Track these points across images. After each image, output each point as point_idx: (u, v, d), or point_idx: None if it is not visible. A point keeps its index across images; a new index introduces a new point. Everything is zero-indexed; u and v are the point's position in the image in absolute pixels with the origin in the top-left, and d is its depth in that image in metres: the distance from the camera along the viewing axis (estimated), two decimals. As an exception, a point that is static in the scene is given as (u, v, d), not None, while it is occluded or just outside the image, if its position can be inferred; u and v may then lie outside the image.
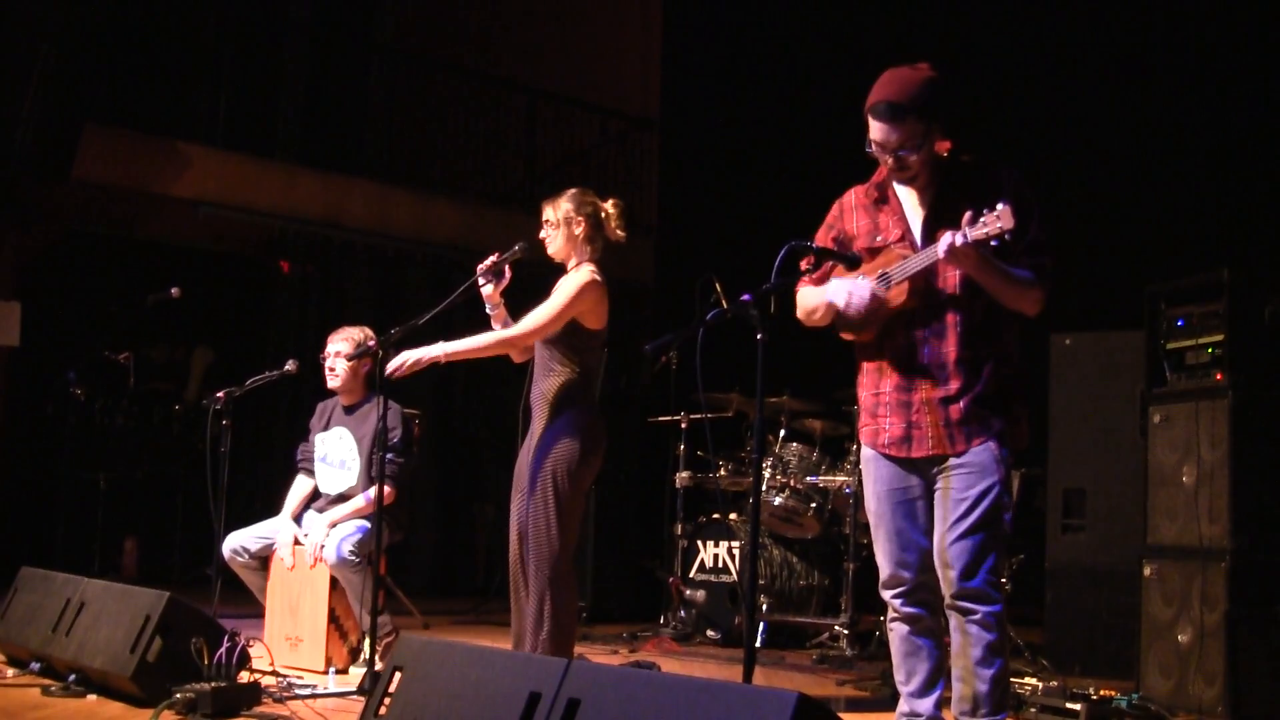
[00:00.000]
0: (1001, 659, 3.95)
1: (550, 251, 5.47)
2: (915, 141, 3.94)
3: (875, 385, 4.15)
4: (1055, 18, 9.50)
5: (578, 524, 5.34)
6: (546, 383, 5.35)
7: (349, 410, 6.68)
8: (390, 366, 5.33)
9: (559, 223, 5.41)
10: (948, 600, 3.98)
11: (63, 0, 9.07)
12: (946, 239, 3.78)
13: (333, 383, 6.64)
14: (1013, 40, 9.67)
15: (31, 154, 9.09)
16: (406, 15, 14.16)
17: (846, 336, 4.22)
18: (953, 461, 3.98)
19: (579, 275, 5.35)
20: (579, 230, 5.40)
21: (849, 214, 4.25)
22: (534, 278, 5.79)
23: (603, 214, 5.44)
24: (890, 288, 3.99)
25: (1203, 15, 8.60)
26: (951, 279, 3.98)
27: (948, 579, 3.96)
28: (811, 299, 4.19)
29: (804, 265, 4.01)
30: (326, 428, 6.71)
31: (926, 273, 3.97)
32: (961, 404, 3.97)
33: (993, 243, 3.73)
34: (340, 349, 6.58)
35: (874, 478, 4.17)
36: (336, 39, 13.45)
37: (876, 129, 3.96)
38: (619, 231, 5.47)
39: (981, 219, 3.72)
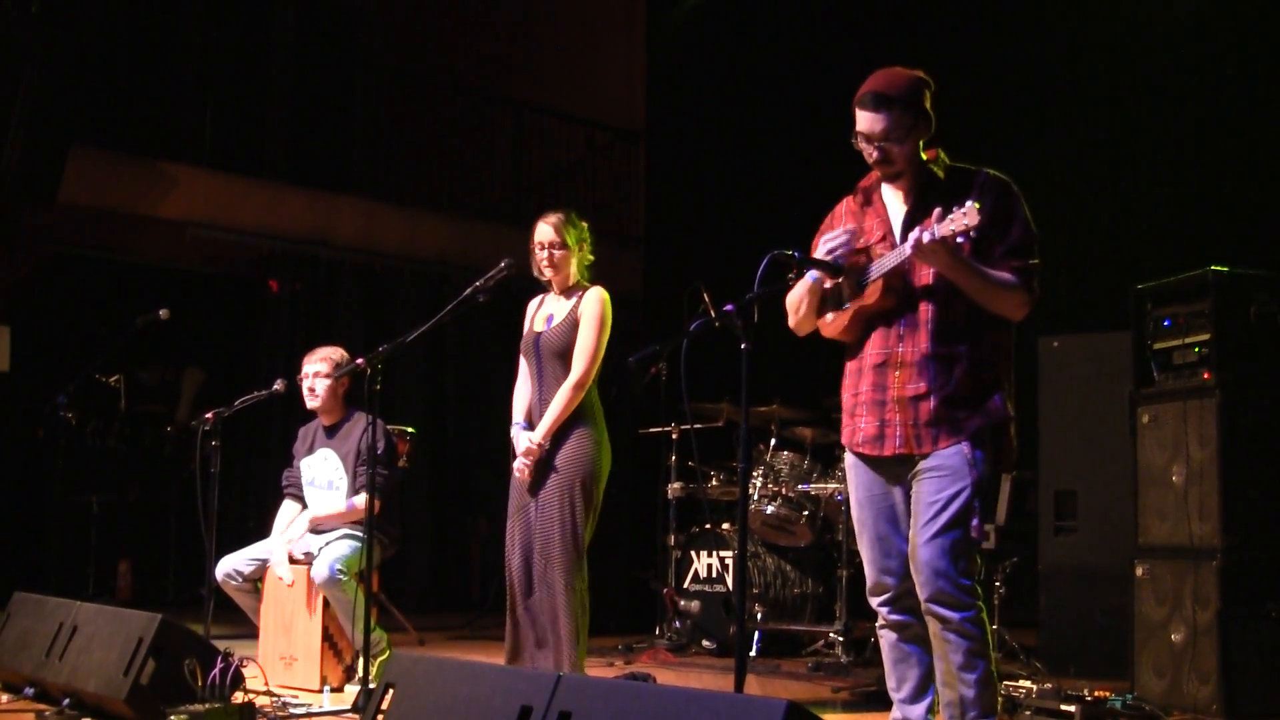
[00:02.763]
0: (984, 662, 3.96)
1: (556, 276, 5.57)
2: (900, 133, 3.99)
3: (855, 386, 4.20)
4: (1040, 20, 9.53)
5: None
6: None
7: (331, 430, 6.68)
8: (519, 472, 5.49)
9: (572, 249, 5.53)
10: (922, 605, 3.99)
11: (47, 23, 9.06)
12: (913, 236, 3.82)
13: (312, 403, 6.64)
14: (1000, 43, 9.70)
15: (18, 177, 9.07)
16: (391, 32, 14.18)
17: (828, 333, 4.25)
18: (924, 464, 4.00)
19: (599, 298, 5.54)
20: (584, 252, 5.58)
21: (839, 221, 4.32)
22: (524, 291, 5.84)
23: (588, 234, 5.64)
24: (867, 285, 4.03)
25: (1186, 14, 8.62)
26: (926, 277, 4.01)
27: (919, 583, 3.97)
28: (794, 294, 4.24)
29: (790, 275, 4.05)
30: (310, 451, 6.71)
31: (901, 271, 4.00)
32: (931, 403, 3.98)
33: (960, 239, 3.75)
34: (319, 369, 6.59)
35: (855, 484, 4.20)
36: (321, 57, 13.46)
37: (862, 119, 4.02)
38: (592, 254, 5.71)
39: (949, 216, 3.75)
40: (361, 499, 5.82)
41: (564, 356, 5.46)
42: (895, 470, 4.09)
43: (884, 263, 3.99)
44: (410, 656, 4.04)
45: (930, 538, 3.93)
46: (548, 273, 5.58)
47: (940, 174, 4.09)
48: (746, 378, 3.70)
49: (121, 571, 10.83)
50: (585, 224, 5.64)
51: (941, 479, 3.96)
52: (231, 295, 12.04)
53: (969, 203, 3.72)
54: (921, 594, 3.97)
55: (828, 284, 4.13)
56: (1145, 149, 8.81)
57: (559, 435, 5.42)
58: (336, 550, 6.24)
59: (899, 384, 4.04)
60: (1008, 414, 4.07)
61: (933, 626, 3.99)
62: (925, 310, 4.02)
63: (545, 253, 5.55)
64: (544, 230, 5.56)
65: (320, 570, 6.15)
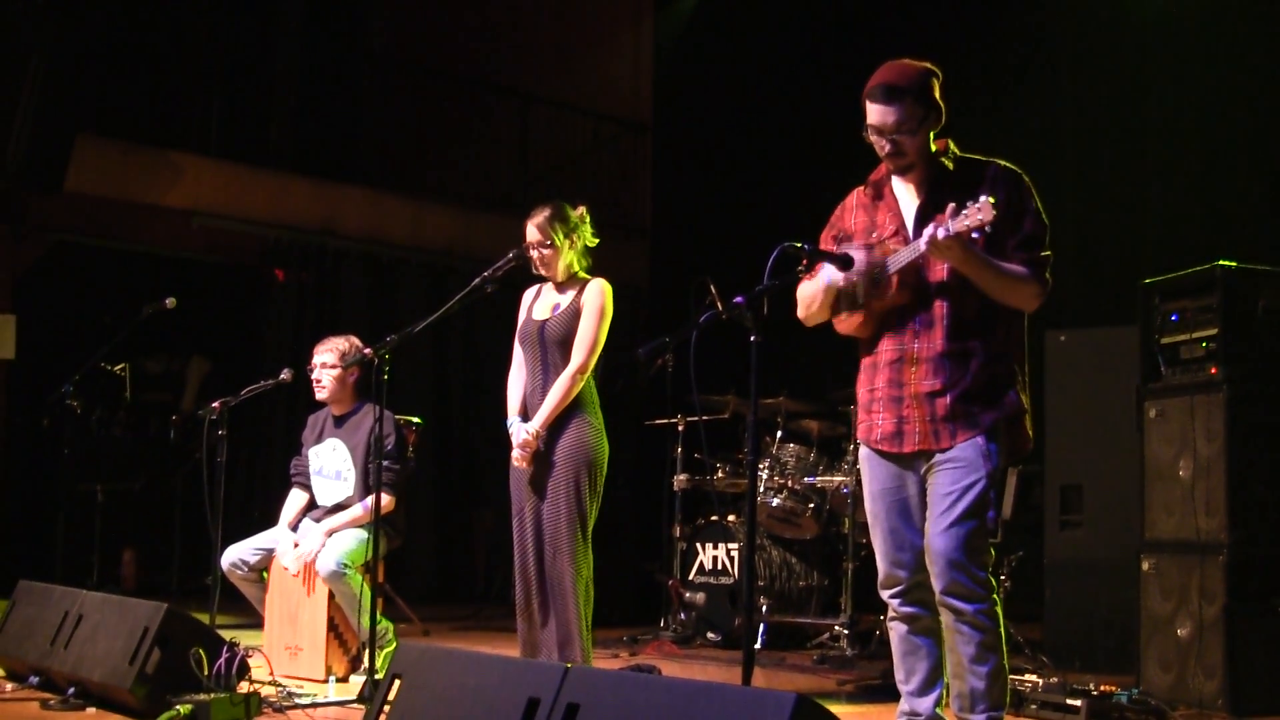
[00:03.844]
0: (996, 655, 3.96)
1: (548, 271, 5.57)
2: (911, 125, 3.99)
3: (870, 381, 4.19)
4: (1049, 13, 9.52)
5: None
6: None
7: (340, 421, 6.65)
8: (518, 462, 5.47)
9: (560, 243, 5.51)
10: (937, 597, 3.98)
11: (54, 12, 9.05)
12: (928, 232, 3.82)
13: (320, 395, 6.62)
14: (1008, 36, 9.68)
15: (24, 166, 9.07)
16: (398, 22, 14.16)
17: (843, 329, 4.24)
18: (940, 457, 4.00)
19: (600, 290, 5.53)
20: (579, 243, 5.55)
21: (849, 213, 4.31)
22: (529, 282, 5.83)
23: (582, 224, 5.59)
24: (883, 282, 4.02)
25: (1196, 7, 8.61)
26: (940, 272, 4.00)
27: (934, 574, 3.97)
28: (808, 290, 4.23)
29: (801, 266, 4.04)
30: (319, 440, 6.69)
31: (916, 267, 3.99)
32: (948, 398, 3.98)
33: (974, 235, 3.74)
34: (326, 360, 6.57)
35: (870, 477, 4.20)
36: (328, 47, 13.43)
37: (874, 112, 4.02)
38: (594, 238, 5.65)
39: (964, 212, 3.74)
40: (372, 500, 5.83)
41: (567, 345, 5.46)
42: (911, 464, 4.09)
43: (898, 259, 3.99)
44: (418, 647, 4.04)
45: (945, 528, 3.94)
46: (543, 270, 5.59)
47: (950, 166, 4.09)
48: (756, 370, 3.69)
49: (126, 560, 10.83)
50: (578, 211, 5.58)
51: (957, 470, 3.96)
52: (237, 284, 12.02)
53: (983, 198, 3.71)
54: (936, 585, 3.97)
55: (842, 282, 4.11)
56: (1153, 143, 8.80)
57: (556, 425, 5.41)
58: (342, 543, 6.24)
59: (915, 380, 4.03)
60: (1023, 407, 4.08)
61: (946, 618, 3.99)
62: (940, 306, 4.01)
63: (535, 253, 5.55)
64: (530, 232, 5.55)
65: (325, 563, 6.14)
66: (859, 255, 4.04)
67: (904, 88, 3.97)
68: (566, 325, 5.46)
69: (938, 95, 4.04)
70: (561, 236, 5.51)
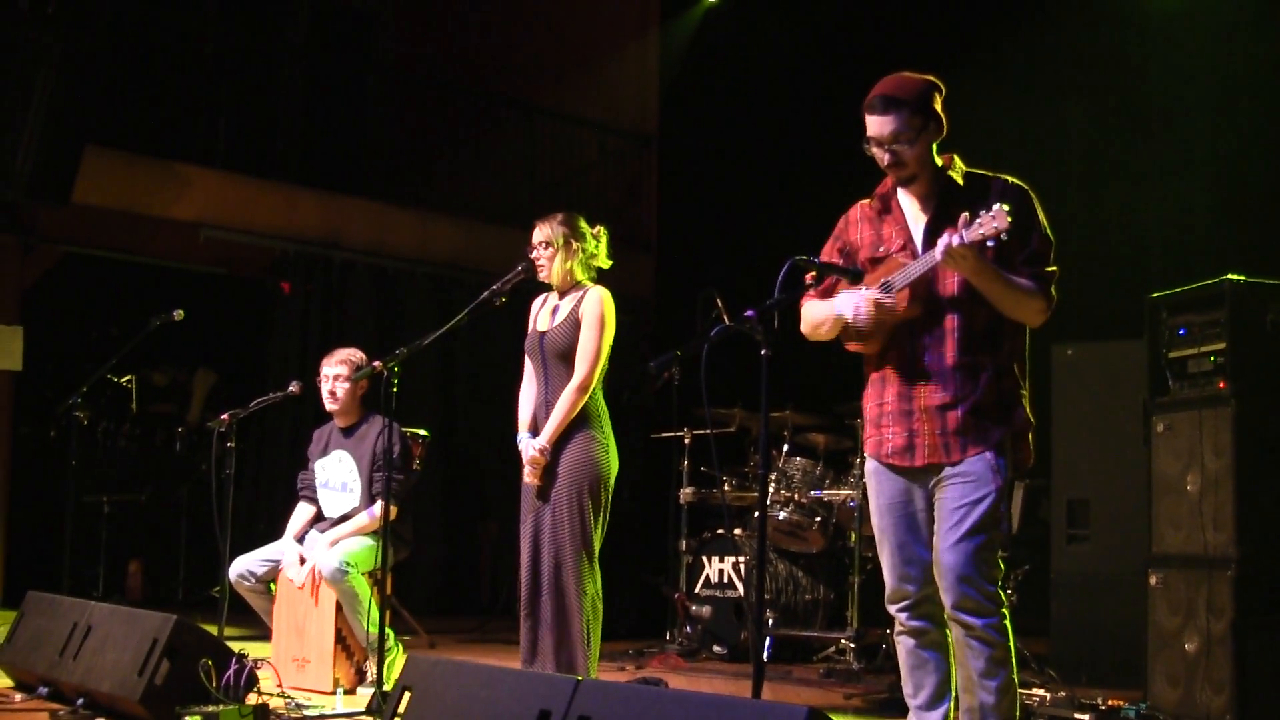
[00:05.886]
0: (1005, 670, 3.95)
1: (545, 276, 5.57)
2: (910, 135, 3.99)
3: (879, 395, 4.18)
4: (1055, 26, 9.52)
5: None
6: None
7: (346, 432, 6.67)
8: (529, 478, 5.48)
9: (559, 247, 5.50)
10: (947, 611, 3.98)
11: (63, 24, 9.08)
12: (944, 240, 3.80)
13: (332, 406, 6.64)
14: (1014, 49, 9.69)
15: (32, 178, 9.09)
16: (404, 35, 14.20)
17: (852, 348, 4.24)
18: (948, 471, 4.00)
19: (599, 299, 5.52)
20: (580, 253, 5.52)
21: (854, 226, 4.29)
22: (536, 294, 5.83)
23: (593, 239, 5.58)
24: (893, 295, 4.02)
25: (1202, 19, 8.62)
26: (951, 284, 4.00)
27: (943, 589, 3.97)
28: (818, 312, 4.21)
29: (809, 279, 4.04)
30: (325, 453, 6.71)
31: (927, 279, 3.99)
32: (959, 412, 3.98)
33: (989, 243, 3.74)
34: (339, 371, 6.58)
35: (877, 491, 4.18)
36: (334, 59, 13.48)
37: (872, 124, 4.02)
38: (608, 260, 5.67)
39: (978, 220, 3.74)
40: (379, 508, 5.83)
41: (567, 357, 5.45)
42: (920, 478, 4.08)
43: (909, 271, 3.98)
44: (428, 659, 4.04)
45: (955, 543, 3.93)
46: (542, 275, 5.59)
47: (959, 180, 4.09)
48: (767, 383, 3.70)
49: (131, 571, 10.84)
50: (588, 226, 5.60)
51: (966, 485, 3.96)
52: (243, 296, 12.04)
53: (998, 206, 3.71)
54: (946, 600, 3.96)
55: (850, 319, 4.08)
56: (1161, 156, 8.81)
57: (563, 439, 5.40)
58: (347, 546, 6.26)
59: (925, 394, 4.03)
60: (1029, 422, 4.08)
61: (956, 633, 3.99)
62: (951, 319, 4.01)
63: (535, 253, 5.56)
64: (535, 232, 5.58)
65: (329, 563, 6.15)
66: (865, 305, 4.03)
67: (901, 99, 3.98)
68: (566, 336, 5.45)
69: (938, 107, 4.03)
70: (561, 240, 5.51)
